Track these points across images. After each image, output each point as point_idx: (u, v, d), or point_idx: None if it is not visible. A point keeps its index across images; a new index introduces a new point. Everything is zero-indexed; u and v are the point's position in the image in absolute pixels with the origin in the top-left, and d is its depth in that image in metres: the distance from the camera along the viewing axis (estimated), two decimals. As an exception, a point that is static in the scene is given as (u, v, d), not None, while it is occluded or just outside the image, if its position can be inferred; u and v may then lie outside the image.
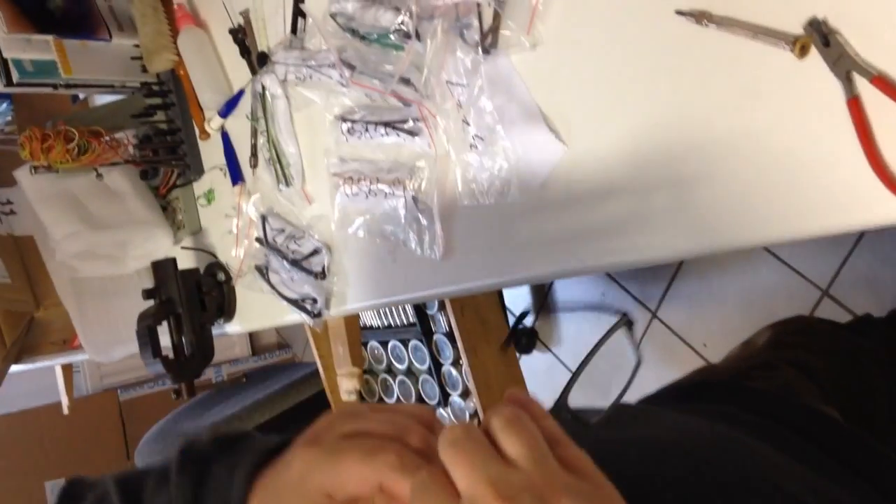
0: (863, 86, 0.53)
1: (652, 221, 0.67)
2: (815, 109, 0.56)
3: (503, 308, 1.70)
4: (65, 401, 2.35)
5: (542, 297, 2.34)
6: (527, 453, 0.37)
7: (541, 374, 2.34)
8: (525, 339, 2.33)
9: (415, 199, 0.89)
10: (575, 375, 0.53)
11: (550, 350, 2.33)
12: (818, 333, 1.00)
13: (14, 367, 1.47)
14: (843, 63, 0.53)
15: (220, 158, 1.23)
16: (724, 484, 0.52)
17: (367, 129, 0.92)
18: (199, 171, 1.31)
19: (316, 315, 1.09)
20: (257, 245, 1.17)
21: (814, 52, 0.55)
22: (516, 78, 0.75)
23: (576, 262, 0.75)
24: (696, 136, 0.63)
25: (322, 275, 1.06)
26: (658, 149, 0.66)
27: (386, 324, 1.75)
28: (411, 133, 0.87)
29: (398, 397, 1.49)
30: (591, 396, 0.56)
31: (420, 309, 1.62)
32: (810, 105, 0.56)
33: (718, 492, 0.50)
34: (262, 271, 1.16)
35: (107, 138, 1.29)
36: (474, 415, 1.38)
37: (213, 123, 1.21)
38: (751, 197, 0.60)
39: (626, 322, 0.54)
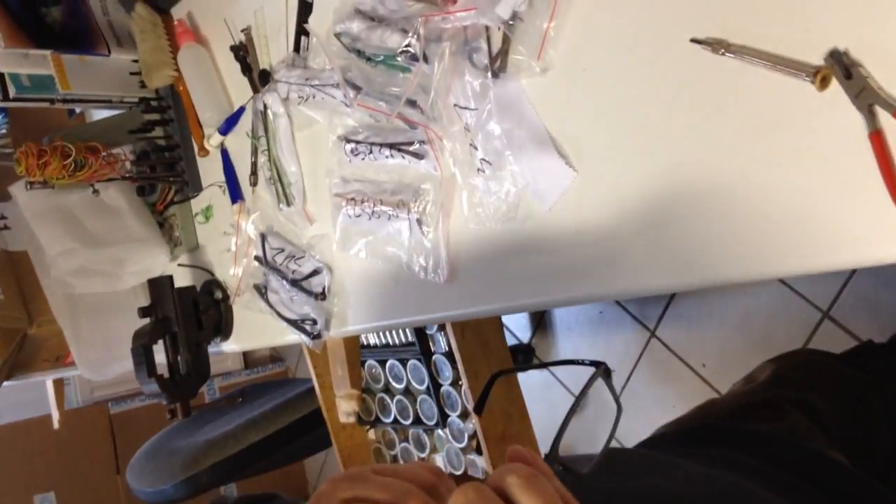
0: (885, 119, 0.52)
1: (663, 252, 0.66)
2: (836, 142, 0.55)
3: (503, 328, 1.69)
4: (55, 415, 2.33)
5: (540, 314, 2.33)
6: None
7: (536, 392, 2.33)
8: (521, 356, 2.31)
9: (419, 221, 0.88)
10: (562, 428, 0.52)
11: (546, 368, 2.31)
12: (821, 370, 0.99)
13: (5, 383, 1.45)
14: (866, 96, 0.52)
15: (219, 175, 1.22)
16: None
17: (371, 151, 0.91)
18: (198, 188, 1.29)
19: (315, 336, 1.07)
20: (256, 264, 1.15)
21: (835, 84, 0.54)
22: (526, 102, 0.74)
23: (583, 290, 0.74)
24: (712, 166, 0.62)
25: (322, 295, 1.05)
26: (671, 178, 0.65)
27: (384, 342, 1.73)
28: (417, 155, 0.86)
29: (395, 417, 1.47)
30: (578, 443, 0.55)
31: (419, 329, 1.60)
32: (831, 138, 0.55)
33: None
34: (261, 291, 1.15)
35: (104, 154, 1.28)
36: (473, 436, 1.36)
37: (213, 140, 1.20)
38: (768, 229, 0.59)
39: (605, 372, 0.53)
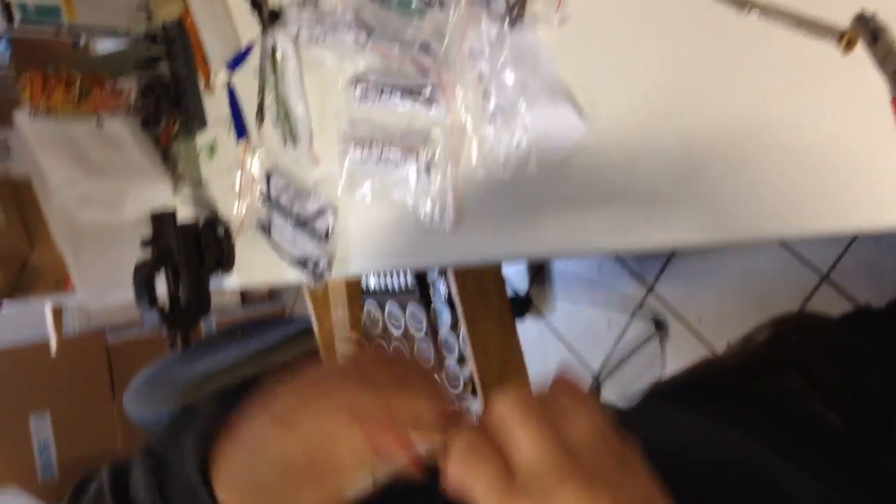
0: (909, 86, 0.51)
1: (675, 208, 0.66)
2: (858, 106, 0.54)
3: (503, 279, 1.70)
4: (53, 342, 2.34)
5: (538, 266, 2.33)
6: (594, 431, 0.37)
7: (531, 342, 2.35)
8: (518, 306, 2.33)
9: (427, 168, 0.87)
10: (600, 376, 0.51)
11: (543, 318, 2.33)
12: (819, 333, 0.99)
13: (5, 305, 1.45)
14: (891, 61, 0.51)
15: (225, 112, 1.21)
16: (728, 489, 0.51)
17: (381, 94, 0.90)
18: (202, 124, 1.28)
19: (317, 276, 1.07)
20: (260, 202, 1.15)
21: (860, 48, 0.53)
22: (542, 52, 0.73)
23: (587, 242, 0.74)
24: (728, 125, 0.61)
25: (326, 236, 1.05)
26: (685, 136, 0.64)
27: (384, 288, 1.74)
28: (428, 101, 0.85)
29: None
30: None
31: (420, 275, 1.61)
32: (852, 102, 0.54)
33: (722, 497, 0.50)
34: (264, 228, 1.15)
35: (109, 85, 1.27)
36: (469, 381, 1.39)
37: (219, 77, 1.18)
38: (782, 188, 0.59)
39: (663, 331, 0.52)
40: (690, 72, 0.63)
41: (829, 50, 0.55)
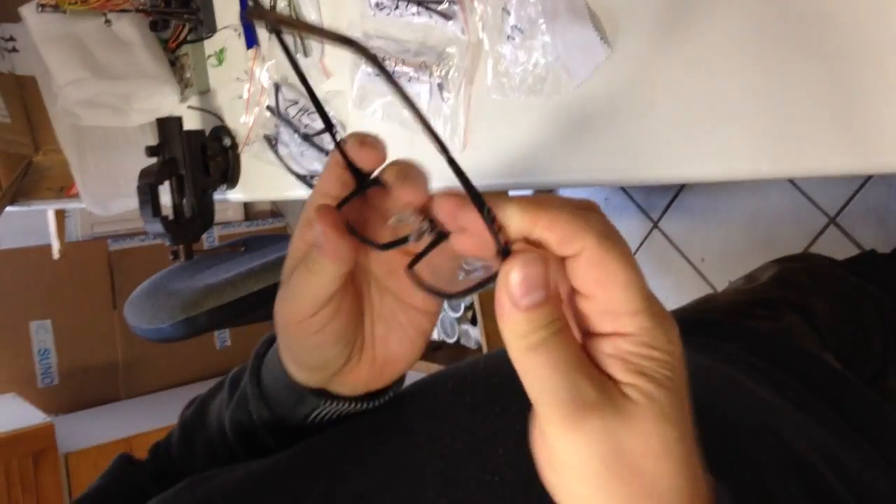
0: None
1: (691, 142, 0.65)
2: (888, 41, 0.52)
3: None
4: (55, 245, 2.34)
5: (545, 193, 2.31)
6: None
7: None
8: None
9: (440, 86, 0.85)
10: None
11: (546, 247, 2.32)
12: (824, 276, 0.98)
13: (7, 208, 1.45)
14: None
15: (235, 18, 1.18)
16: (723, 425, 0.51)
17: (396, 6, 0.87)
18: (212, 29, 1.25)
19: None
20: (268, 114, 1.13)
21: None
22: (566, -31, 0.70)
23: (601, 174, 0.73)
24: (753, 56, 0.59)
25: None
26: (708, 67, 0.63)
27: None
28: (445, 16, 0.83)
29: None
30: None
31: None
32: (881, 36, 0.52)
33: (717, 432, 0.49)
34: (271, 142, 1.13)
35: (118, -18, 1.23)
36: (469, 307, 1.39)
37: (231, -21, 1.15)
38: (803, 126, 0.57)
39: None
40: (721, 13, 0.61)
41: (867, -20, 0.52)
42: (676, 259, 1.96)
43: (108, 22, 1.28)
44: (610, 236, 0.32)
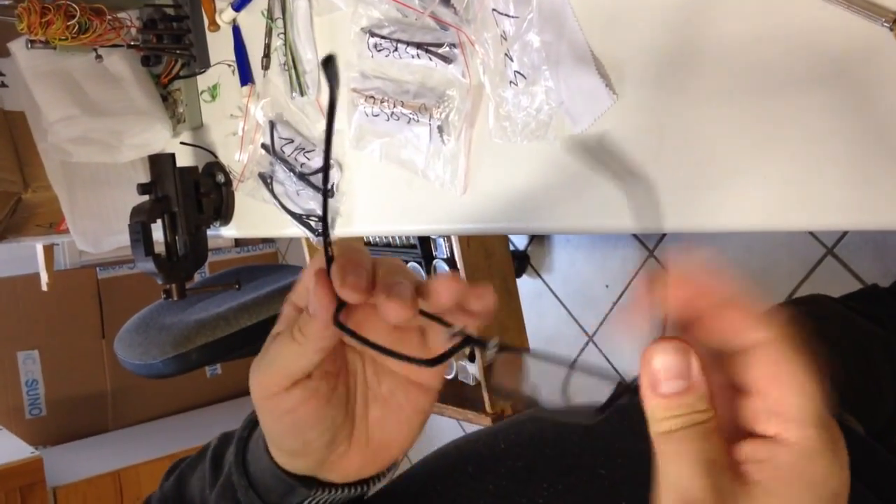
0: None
1: (695, 194, 0.63)
2: (907, 98, 0.51)
3: (508, 241, 1.68)
4: (44, 277, 2.31)
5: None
6: None
7: (528, 301, 2.33)
8: (515, 263, 2.31)
9: (440, 128, 0.84)
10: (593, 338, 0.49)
11: (541, 277, 2.31)
12: (830, 319, 0.97)
13: (-4, 244, 1.43)
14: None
15: (230, 54, 1.16)
16: None
17: (395, 48, 0.86)
18: (206, 64, 1.24)
19: (319, 233, 1.04)
20: (262, 152, 1.11)
21: (917, 35, 0.50)
22: (570, 15, 0.69)
23: (604, 222, 0.71)
24: (763, 108, 0.58)
25: (330, 192, 1.01)
26: (717, 116, 0.61)
27: (385, 241, 1.71)
28: (445, 59, 0.81)
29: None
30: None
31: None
32: (902, 93, 0.51)
33: None
34: (266, 180, 1.11)
35: (109, 18, 1.21)
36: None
37: (225, 16, 1.14)
38: (814, 181, 0.56)
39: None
40: (728, 48, 0.60)
41: (881, 34, 0.51)
42: (672, 289, 1.94)
43: (98, 57, 1.26)
44: (794, 339, 0.31)
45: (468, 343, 0.38)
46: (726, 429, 0.31)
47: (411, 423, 0.45)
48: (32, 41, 1.21)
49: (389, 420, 0.44)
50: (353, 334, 0.39)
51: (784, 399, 0.30)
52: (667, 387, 0.31)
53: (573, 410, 0.36)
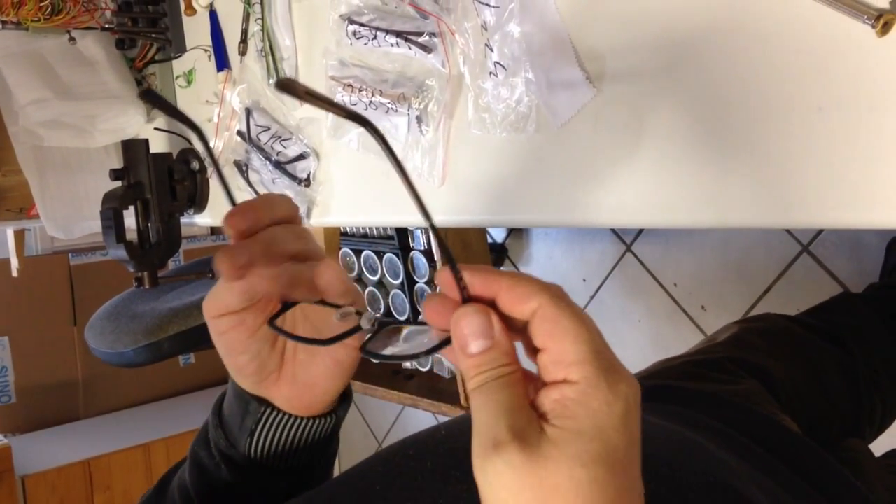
0: (948, 79, 0.48)
1: (675, 189, 0.63)
2: (886, 93, 0.51)
3: (486, 232, 1.67)
4: (14, 263, 2.27)
5: (516, 215, 2.30)
6: None
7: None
8: (493, 256, 2.30)
9: (419, 118, 0.83)
10: None
11: (517, 270, 2.31)
12: (782, 337, 0.99)
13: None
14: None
15: (206, 38, 1.15)
16: (676, 480, 0.50)
17: (375, 36, 0.85)
18: (181, 49, 1.22)
19: (295, 222, 1.03)
20: (238, 139, 1.10)
21: (898, 33, 0.50)
22: (552, 7, 0.69)
23: (582, 216, 0.71)
24: (745, 104, 0.58)
25: (307, 182, 1.00)
26: (698, 112, 0.61)
27: (362, 232, 1.70)
28: (425, 48, 0.80)
29: (367, 309, 1.47)
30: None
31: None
32: (881, 88, 0.51)
33: (668, 485, 0.49)
34: (242, 168, 1.10)
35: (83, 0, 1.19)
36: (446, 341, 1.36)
37: (202, 0, 1.12)
38: (792, 175, 0.56)
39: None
40: (708, 42, 0.59)
41: (864, 32, 0.51)
42: (649, 283, 1.95)
43: (72, 40, 1.24)
44: (563, 297, 0.35)
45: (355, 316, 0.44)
46: (537, 388, 0.36)
47: (332, 371, 0.51)
48: (4, 22, 1.18)
49: (313, 364, 0.51)
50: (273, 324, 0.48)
51: (562, 348, 0.34)
52: (474, 346, 0.35)
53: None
